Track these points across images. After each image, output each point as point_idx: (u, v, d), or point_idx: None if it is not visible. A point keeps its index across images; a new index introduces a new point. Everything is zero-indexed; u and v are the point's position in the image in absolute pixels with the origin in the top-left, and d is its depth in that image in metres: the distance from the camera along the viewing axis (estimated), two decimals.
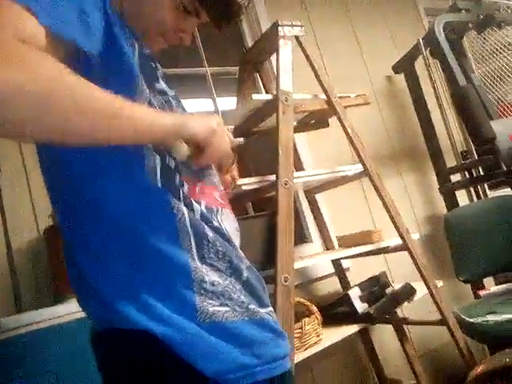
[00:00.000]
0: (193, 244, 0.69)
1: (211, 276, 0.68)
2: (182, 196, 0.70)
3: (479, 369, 1.49)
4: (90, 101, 0.56)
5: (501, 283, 2.21)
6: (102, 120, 0.57)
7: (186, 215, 0.69)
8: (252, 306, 0.71)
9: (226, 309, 0.68)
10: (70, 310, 1.26)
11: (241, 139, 1.58)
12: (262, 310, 0.73)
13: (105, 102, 0.57)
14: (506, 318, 1.66)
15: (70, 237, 0.72)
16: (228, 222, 0.78)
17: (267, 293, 0.79)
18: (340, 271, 2.10)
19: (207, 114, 0.73)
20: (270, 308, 0.77)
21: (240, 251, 0.77)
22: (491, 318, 1.70)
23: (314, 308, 1.62)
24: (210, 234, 0.71)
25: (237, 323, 0.68)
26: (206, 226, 0.71)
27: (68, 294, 1.37)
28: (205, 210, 0.73)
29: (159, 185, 0.69)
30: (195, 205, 0.71)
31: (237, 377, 0.64)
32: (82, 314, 0.74)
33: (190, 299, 0.66)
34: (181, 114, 0.78)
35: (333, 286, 2.10)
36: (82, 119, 0.55)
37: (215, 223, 0.73)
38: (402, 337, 2.04)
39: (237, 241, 0.79)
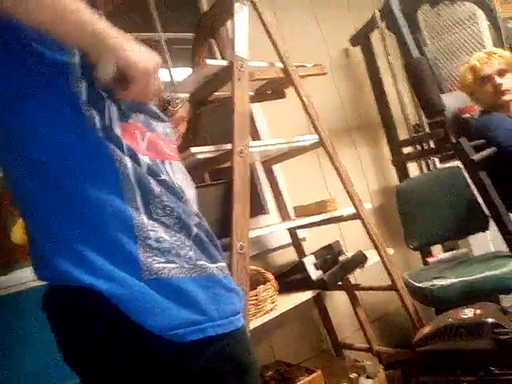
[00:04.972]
0: (138, 199, 0.67)
1: (157, 232, 0.67)
2: (125, 148, 0.67)
3: (424, 330, 1.57)
4: None
5: (447, 250, 2.33)
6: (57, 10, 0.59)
7: (131, 168, 0.66)
8: (201, 262, 0.70)
9: (173, 265, 0.67)
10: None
11: (185, 95, 1.55)
12: (213, 266, 0.72)
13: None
14: (451, 282, 1.75)
15: (14, 194, 0.70)
16: (179, 174, 0.76)
17: (220, 248, 0.78)
18: (296, 241, 2.13)
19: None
20: (222, 263, 0.76)
21: (192, 205, 0.75)
22: (438, 282, 1.79)
23: (270, 275, 1.65)
24: (157, 188, 0.69)
25: (184, 279, 0.67)
26: (152, 180, 0.68)
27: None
28: (152, 163, 0.70)
29: (100, 134, 0.66)
30: (141, 157, 0.69)
31: (184, 332, 0.64)
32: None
33: (134, 255, 0.64)
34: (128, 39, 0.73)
35: (290, 256, 2.13)
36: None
37: (164, 176, 0.71)
38: (354, 302, 2.11)
39: (190, 193, 0.77)
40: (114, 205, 0.65)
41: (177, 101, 0.98)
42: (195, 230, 0.72)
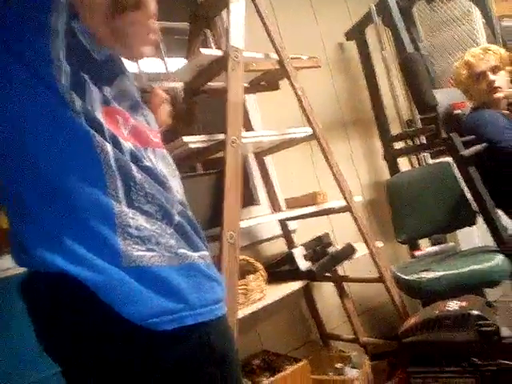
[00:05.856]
0: (119, 186, 0.65)
1: (138, 220, 0.66)
2: (107, 133, 0.66)
3: (410, 322, 1.59)
4: None
5: (435, 244, 2.36)
6: None
7: (112, 154, 0.65)
8: (182, 251, 0.70)
9: (153, 254, 0.66)
10: None
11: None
12: (195, 254, 0.72)
13: None
14: (438, 275, 1.77)
15: None
16: (162, 162, 0.75)
17: (203, 237, 0.77)
18: (286, 233, 2.15)
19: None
20: (205, 252, 0.75)
21: (175, 193, 0.74)
22: (425, 275, 1.81)
23: (259, 265, 1.66)
24: (139, 175, 0.67)
25: (164, 268, 0.66)
26: (134, 167, 0.67)
27: None
28: (134, 149, 0.69)
29: (80, 118, 0.65)
30: (124, 143, 0.68)
31: (162, 321, 0.63)
32: None
33: (113, 243, 0.64)
34: None
35: (280, 247, 2.15)
36: None
37: (146, 163, 0.70)
38: (342, 294, 2.13)
39: (174, 181, 0.76)
40: (93, 192, 0.64)
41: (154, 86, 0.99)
42: (177, 218, 0.71)
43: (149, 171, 0.69)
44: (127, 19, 0.67)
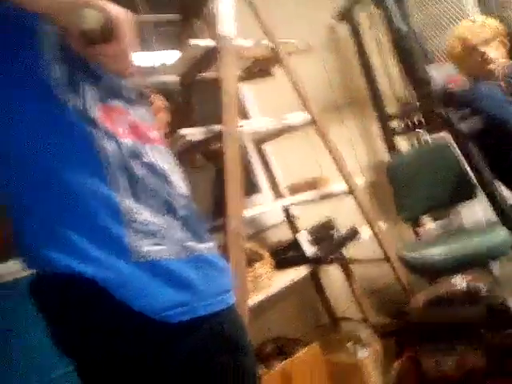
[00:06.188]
0: (121, 182, 0.65)
1: (143, 215, 0.66)
2: (105, 130, 0.66)
3: (418, 299, 1.61)
4: None
5: (436, 220, 2.37)
6: None
7: (111, 151, 0.65)
8: (189, 243, 0.70)
9: (161, 247, 0.66)
10: None
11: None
12: (202, 246, 0.72)
13: None
14: (443, 252, 1.78)
15: None
16: (162, 157, 0.75)
17: (205, 226, 0.77)
18: (290, 219, 2.15)
19: None
20: (211, 243, 0.75)
21: (177, 187, 0.74)
22: (430, 253, 1.82)
23: (266, 253, 1.67)
24: (140, 171, 0.68)
25: (173, 261, 0.66)
26: (134, 163, 0.68)
27: None
28: (133, 145, 0.69)
29: (76, 116, 0.65)
30: (122, 140, 0.68)
31: (175, 313, 0.63)
32: None
33: (121, 239, 0.63)
34: None
35: (284, 234, 2.15)
36: None
37: (146, 159, 0.70)
38: (348, 276, 2.15)
39: (175, 176, 0.76)
40: (98, 189, 0.64)
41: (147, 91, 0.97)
42: (182, 211, 0.72)
43: (149, 167, 0.70)
44: (98, 50, 0.65)
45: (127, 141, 0.69)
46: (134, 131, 0.72)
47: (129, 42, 0.65)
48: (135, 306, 0.62)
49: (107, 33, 0.62)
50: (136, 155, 0.69)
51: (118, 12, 0.63)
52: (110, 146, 0.66)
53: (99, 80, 0.70)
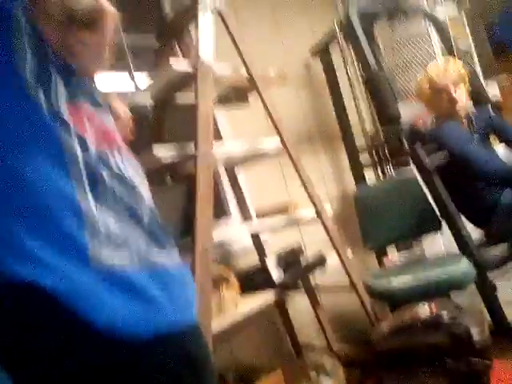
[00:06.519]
0: (86, 186, 0.63)
1: (107, 222, 0.64)
2: (73, 132, 0.64)
3: (382, 328, 1.62)
4: None
5: (402, 251, 2.43)
6: None
7: (79, 153, 0.64)
8: (153, 255, 0.68)
9: (122, 255, 0.63)
10: None
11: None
12: (166, 259, 0.70)
13: None
14: (408, 280, 1.82)
15: None
16: (129, 164, 0.73)
17: (173, 242, 0.75)
18: (258, 244, 2.15)
19: None
20: (175, 256, 0.73)
21: (143, 196, 0.72)
22: (395, 282, 1.85)
23: (232, 277, 1.66)
24: (106, 176, 0.66)
25: (135, 272, 0.64)
26: (101, 167, 0.66)
27: None
28: (101, 150, 0.67)
29: (46, 115, 0.63)
30: (90, 143, 0.66)
31: (135, 328, 0.60)
32: None
33: (83, 245, 0.60)
34: None
35: (252, 259, 2.15)
36: None
37: (113, 164, 0.68)
38: (314, 304, 2.15)
39: (141, 183, 0.74)
40: (62, 192, 0.62)
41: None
42: (147, 220, 0.70)
43: (115, 173, 0.68)
44: (79, 38, 0.65)
45: (95, 144, 0.67)
46: (101, 134, 0.70)
47: (110, 38, 0.66)
48: (92, 319, 0.58)
49: (94, 20, 0.63)
50: (103, 159, 0.67)
51: (108, 5, 0.64)
52: (77, 148, 0.64)
53: (70, 76, 0.68)
